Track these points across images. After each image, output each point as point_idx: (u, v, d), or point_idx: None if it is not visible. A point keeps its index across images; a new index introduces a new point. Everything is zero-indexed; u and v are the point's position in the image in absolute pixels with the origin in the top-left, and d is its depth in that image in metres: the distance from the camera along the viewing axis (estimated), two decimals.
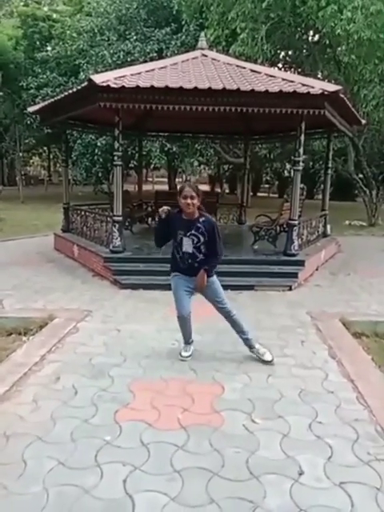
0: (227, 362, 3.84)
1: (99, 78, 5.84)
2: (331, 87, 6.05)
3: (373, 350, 4.15)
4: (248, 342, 3.90)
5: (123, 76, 6.11)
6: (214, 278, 3.76)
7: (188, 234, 3.60)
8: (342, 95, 6.22)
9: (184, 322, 3.88)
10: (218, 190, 30.06)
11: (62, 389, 3.32)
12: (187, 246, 3.62)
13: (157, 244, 3.93)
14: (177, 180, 32.03)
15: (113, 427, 2.82)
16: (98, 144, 16.82)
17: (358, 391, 3.33)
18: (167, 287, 6.02)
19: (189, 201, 3.50)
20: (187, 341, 4.00)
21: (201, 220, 3.60)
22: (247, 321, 4.06)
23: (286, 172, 27.90)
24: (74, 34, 19.18)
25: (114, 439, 2.70)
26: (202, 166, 26.43)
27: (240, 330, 3.88)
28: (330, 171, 9.43)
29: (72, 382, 3.41)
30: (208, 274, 3.65)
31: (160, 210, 3.69)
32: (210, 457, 2.55)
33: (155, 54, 15.81)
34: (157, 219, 3.82)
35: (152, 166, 22.62)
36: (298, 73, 13.98)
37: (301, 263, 6.81)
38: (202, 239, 3.60)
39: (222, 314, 3.88)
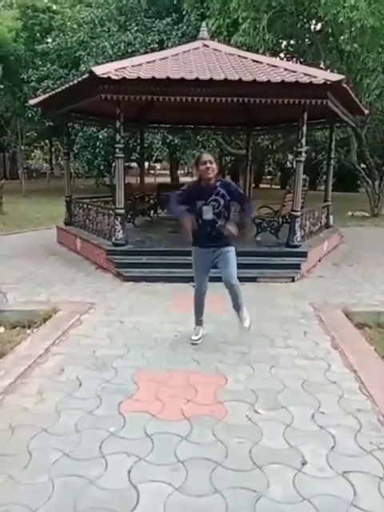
0: (230, 354, 3.85)
1: (100, 70, 5.80)
2: (334, 77, 5.99)
3: (376, 341, 4.15)
4: (238, 308, 4.01)
5: (124, 67, 6.07)
6: (232, 248, 3.86)
7: (208, 201, 3.68)
8: (344, 85, 6.16)
9: (199, 298, 4.04)
10: None
11: (66, 381, 3.35)
12: (207, 213, 3.70)
13: (173, 211, 3.90)
14: (179, 172, 31.92)
15: (117, 418, 2.84)
16: (100, 136, 16.76)
17: (360, 381, 3.34)
18: (169, 279, 6.08)
19: (208, 165, 3.61)
20: (199, 320, 4.14)
21: (218, 184, 3.72)
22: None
23: (288, 163, 27.77)
24: (75, 26, 19.04)
25: (119, 430, 2.72)
26: None
27: (237, 303, 3.97)
28: (332, 162, 9.38)
29: (76, 374, 3.43)
30: (243, 226, 3.85)
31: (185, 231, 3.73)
32: (213, 447, 2.57)
33: (156, 45, 15.68)
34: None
35: (154, 158, 22.56)
36: (301, 62, 13.87)
37: (303, 254, 6.80)
38: (222, 202, 3.70)
39: (226, 285, 3.89)
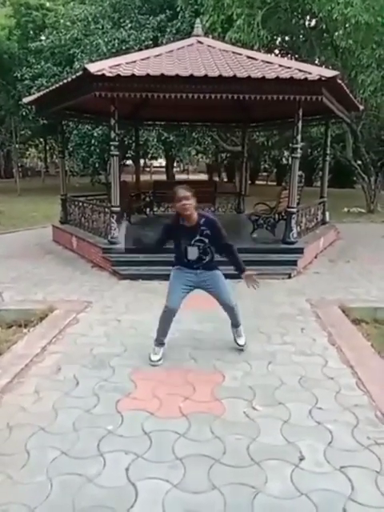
0: (228, 351, 3.86)
1: (94, 67, 5.77)
2: (329, 73, 5.99)
3: (372, 336, 4.17)
4: (236, 326, 3.92)
5: (118, 64, 6.04)
6: (218, 271, 3.69)
7: (193, 242, 3.46)
8: (339, 81, 6.17)
9: (168, 316, 3.67)
10: (216, 178, 29.96)
11: (63, 379, 3.34)
12: (192, 254, 3.50)
13: (156, 250, 3.90)
14: (174, 169, 31.91)
15: (115, 416, 2.85)
16: (95, 134, 16.69)
17: (357, 377, 3.36)
18: (166, 277, 6.02)
19: (184, 202, 3.31)
20: (160, 340, 3.72)
21: (202, 222, 3.43)
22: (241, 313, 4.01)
23: (284, 159, 27.76)
24: (68, 23, 18.92)
25: (116, 428, 2.72)
26: (200, 155, 26.30)
27: (236, 322, 3.89)
28: (328, 158, 9.38)
29: (73, 373, 3.43)
30: (240, 269, 3.63)
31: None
32: (211, 444, 2.57)
33: (150, 42, 15.62)
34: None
35: (149, 155, 22.52)
36: (295, 59, 13.83)
37: (300, 251, 6.81)
38: (207, 241, 3.48)
39: (225, 308, 3.81)
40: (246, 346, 3.90)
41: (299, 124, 6.62)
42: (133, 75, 5.71)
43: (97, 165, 19.02)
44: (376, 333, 4.28)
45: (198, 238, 3.46)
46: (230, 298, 3.76)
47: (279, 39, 15.79)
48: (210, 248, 3.54)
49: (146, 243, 3.83)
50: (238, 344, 3.92)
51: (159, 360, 3.64)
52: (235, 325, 3.93)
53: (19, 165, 28.19)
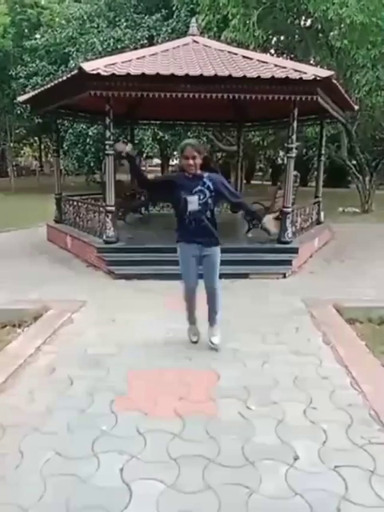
0: (222, 351, 3.85)
1: (89, 66, 5.76)
2: (324, 73, 6.00)
3: (366, 336, 4.18)
4: (213, 319, 3.91)
5: (114, 63, 6.03)
6: (218, 249, 3.71)
7: (193, 191, 3.47)
8: (334, 81, 6.18)
9: (190, 295, 3.81)
10: None
11: (57, 380, 3.33)
12: (192, 204, 3.48)
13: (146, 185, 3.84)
14: (169, 169, 31.85)
15: (109, 417, 2.83)
16: (90, 133, 16.69)
17: (351, 377, 3.36)
18: (161, 277, 6.06)
19: (190, 161, 3.39)
20: (191, 319, 3.97)
21: (205, 175, 3.51)
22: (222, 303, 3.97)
23: (279, 159, 27.79)
24: (63, 22, 18.92)
25: (111, 429, 2.71)
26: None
27: (214, 308, 3.86)
28: (323, 158, 9.40)
29: (67, 373, 3.41)
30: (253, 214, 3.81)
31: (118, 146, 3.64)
32: (206, 444, 2.57)
33: (146, 41, 15.64)
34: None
35: (144, 154, 22.49)
36: (291, 58, 13.84)
37: (295, 251, 6.82)
38: (207, 194, 3.49)
39: (208, 290, 3.80)
40: (220, 345, 3.85)
41: (294, 124, 6.63)
42: (128, 74, 5.69)
43: (92, 164, 18.99)
44: (370, 332, 4.29)
45: (199, 188, 3.47)
46: (217, 279, 3.78)
47: (275, 39, 15.79)
48: (211, 204, 3.55)
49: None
50: (212, 342, 3.86)
51: (197, 341, 3.95)
52: (213, 316, 3.89)
53: (14, 164, 28.09)
